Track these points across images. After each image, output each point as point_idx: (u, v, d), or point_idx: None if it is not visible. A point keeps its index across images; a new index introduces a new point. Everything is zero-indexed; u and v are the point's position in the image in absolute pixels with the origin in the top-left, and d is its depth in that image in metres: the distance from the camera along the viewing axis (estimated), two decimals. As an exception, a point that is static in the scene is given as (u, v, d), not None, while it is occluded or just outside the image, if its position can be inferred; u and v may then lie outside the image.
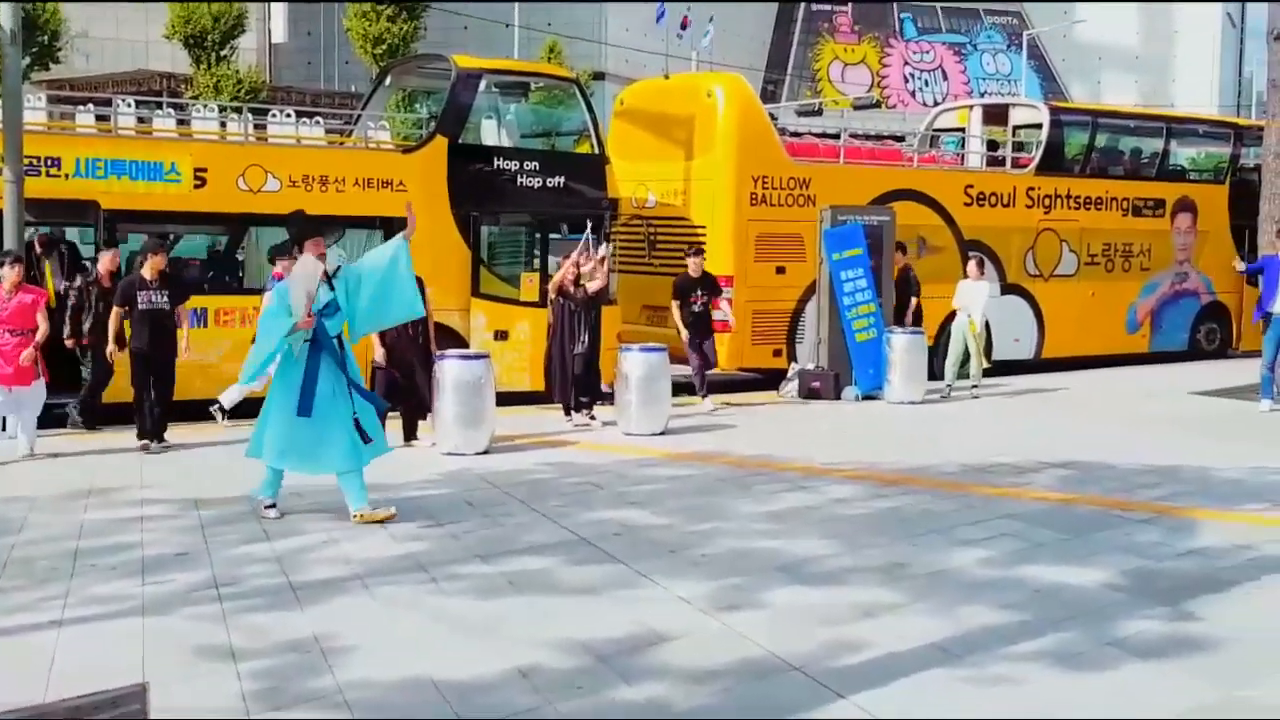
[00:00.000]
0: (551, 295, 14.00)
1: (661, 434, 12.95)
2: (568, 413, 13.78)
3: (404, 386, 12.19)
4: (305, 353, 8.69)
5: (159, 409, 11.92)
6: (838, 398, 15.84)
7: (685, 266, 15.23)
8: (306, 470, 8.94)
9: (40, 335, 11.46)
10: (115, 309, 11.89)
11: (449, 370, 11.90)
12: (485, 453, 11.71)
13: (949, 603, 6.82)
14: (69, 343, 12.84)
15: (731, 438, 12.88)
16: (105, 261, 13.03)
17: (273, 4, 50.10)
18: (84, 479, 10.21)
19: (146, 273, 11.79)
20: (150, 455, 11.51)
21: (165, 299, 11.86)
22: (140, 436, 11.81)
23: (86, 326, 12.68)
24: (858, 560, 7.76)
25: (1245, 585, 7.28)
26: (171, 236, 14.75)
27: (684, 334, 14.96)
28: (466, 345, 14.56)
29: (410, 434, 12.26)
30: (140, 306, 11.73)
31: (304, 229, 9.20)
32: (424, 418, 12.42)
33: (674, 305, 15.01)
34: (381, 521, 8.71)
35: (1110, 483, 10.38)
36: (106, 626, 6.35)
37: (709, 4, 53.15)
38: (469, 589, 7.08)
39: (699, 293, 14.99)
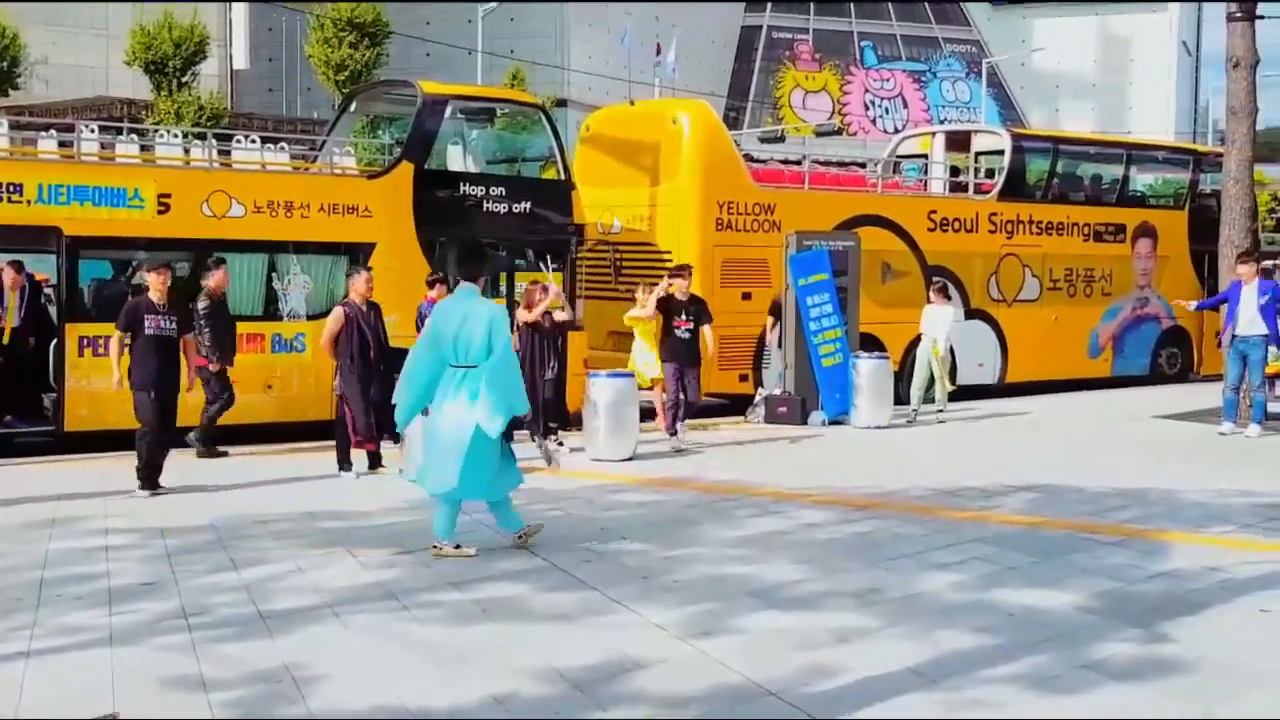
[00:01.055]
0: (520, 323, 13.95)
1: (630, 460, 12.93)
2: (532, 438, 13.73)
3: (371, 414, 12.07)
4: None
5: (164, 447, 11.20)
6: (804, 423, 15.86)
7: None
8: None
9: None
10: (117, 334, 10.94)
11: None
12: (453, 479, 11.61)
13: (923, 627, 6.82)
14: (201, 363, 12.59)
15: (700, 463, 12.87)
16: (215, 279, 13.04)
17: (234, 31, 50.03)
18: (47, 508, 10.07)
19: (154, 295, 10.96)
20: (144, 492, 10.83)
21: (174, 325, 11.04)
22: (147, 482, 10.84)
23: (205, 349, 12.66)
24: (831, 585, 7.75)
25: (1216, 606, 7.31)
26: (134, 263, 14.66)
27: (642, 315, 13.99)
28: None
29: (375, 462, 12.15)
30: (148, 332, 10.81)
31: (481, 267, 9.00)
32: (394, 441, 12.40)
33: (652, 312, 14.04)
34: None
35: (1078, 506, 10.43)
36: (75, 657, 6.25)
37: (672, 29, 53.39)
38: (442, 617, 7.02)
39: (685, 315, 13.88)
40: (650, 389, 14.61)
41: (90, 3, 45.41)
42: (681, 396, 13.91)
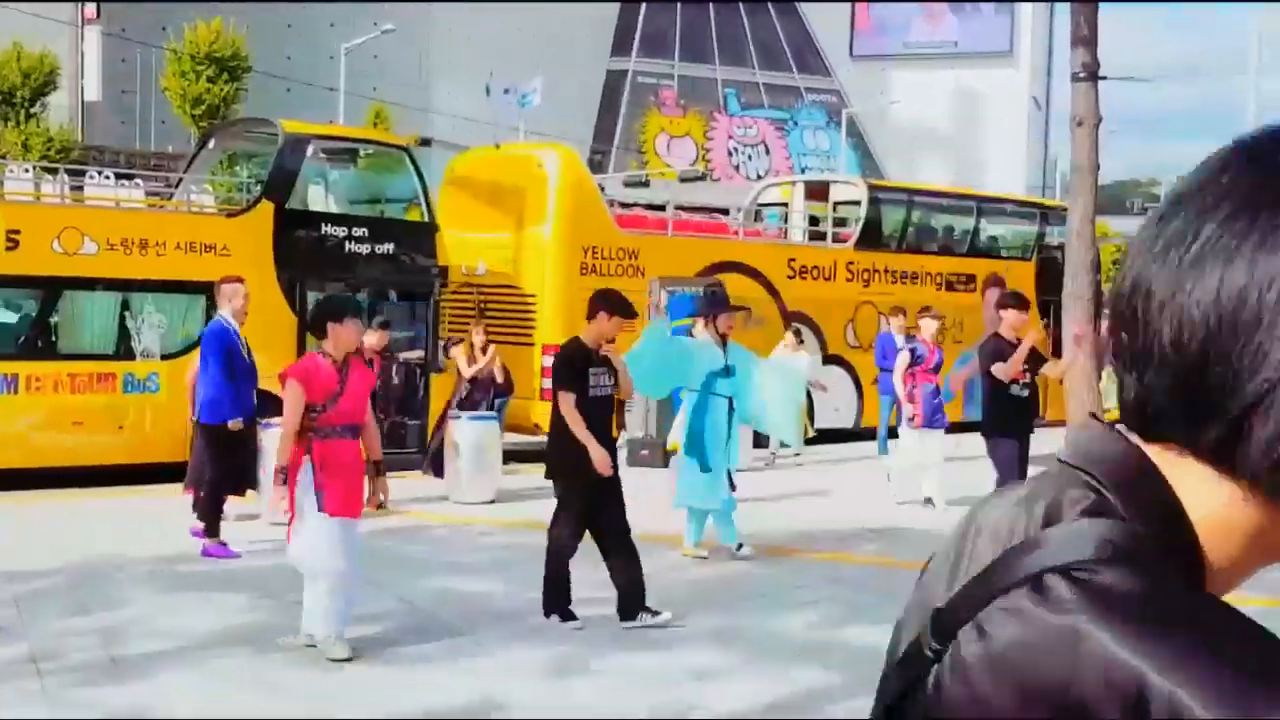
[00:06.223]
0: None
1: (492, 502, 12.93)
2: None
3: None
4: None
5: None
6: (666, 465, 15.98)
7: (516, 334, 15.15)
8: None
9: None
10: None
11: (277, 439, 11.65)
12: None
13: (780, 665, 6.97)
14: None
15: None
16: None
17: (86, 62, 48.99)
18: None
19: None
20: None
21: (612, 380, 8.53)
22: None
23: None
24: (689, 625, 7.88)
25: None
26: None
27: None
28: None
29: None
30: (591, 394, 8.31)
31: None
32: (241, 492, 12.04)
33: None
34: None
35: (928, 547, 10.68)
36: (-83, 705, 6.09)
37: (536, 71, 53.65)
38: (304, 660, 6.97)
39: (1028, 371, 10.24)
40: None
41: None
42: None
